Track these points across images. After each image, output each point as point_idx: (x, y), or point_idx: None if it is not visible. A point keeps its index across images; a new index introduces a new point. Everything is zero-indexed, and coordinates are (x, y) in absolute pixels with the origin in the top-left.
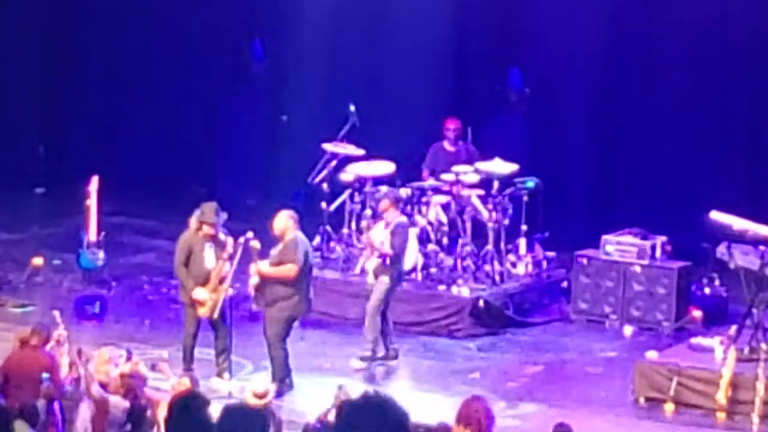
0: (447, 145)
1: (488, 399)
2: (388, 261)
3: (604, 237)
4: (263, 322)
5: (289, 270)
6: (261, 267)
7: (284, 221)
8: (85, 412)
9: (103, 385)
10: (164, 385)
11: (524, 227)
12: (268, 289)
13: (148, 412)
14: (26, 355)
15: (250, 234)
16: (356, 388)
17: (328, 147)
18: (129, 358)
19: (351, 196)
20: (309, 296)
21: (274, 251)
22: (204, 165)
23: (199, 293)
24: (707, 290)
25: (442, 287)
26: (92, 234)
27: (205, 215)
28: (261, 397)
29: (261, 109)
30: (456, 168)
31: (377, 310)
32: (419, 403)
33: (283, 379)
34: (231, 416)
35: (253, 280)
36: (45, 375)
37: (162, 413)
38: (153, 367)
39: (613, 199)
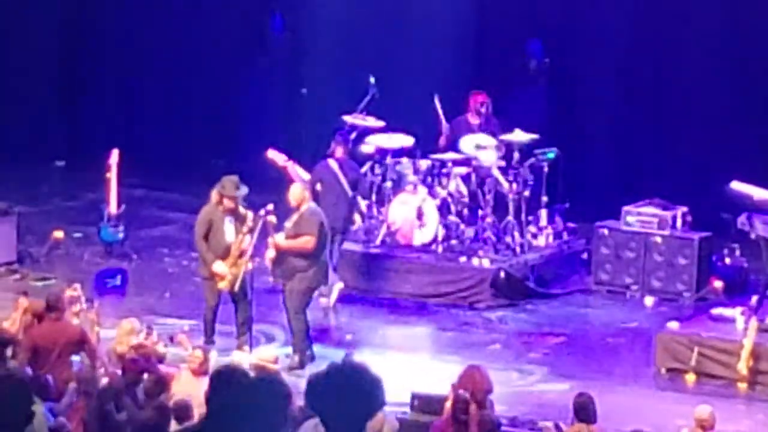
0: (471, 118)
1: (508, 370)
2: None
3: (625, 208)
4: (283, 295)
5: (306, 242)
6: (278, 240)
7: (300, 191)
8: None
9: (124, 357)
10: (184, 356)
11: (545, 198)
12: (286, 262)
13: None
14: (51, 326)
15: (270, 206)
16: (362, 357)
17: (348, 119)
18: (149, 334)
19: (371, 168)
20: (326, 267)
21: (288, 223)
22: (223, 138)
23: (219, 267)
24: (728, 260)
25: (462, 259)
26: (113, 207)
27: (225, 189)
28: (272, 362)
29: (281, 82)
30: (477, 139)
31: None
32: (439, 375)
33: (304, 350)
34: (253, 385)
35: (270, 253)
36: (76, 358)
37: (176, 388)
38: (171, 340)
39: (633, 170)
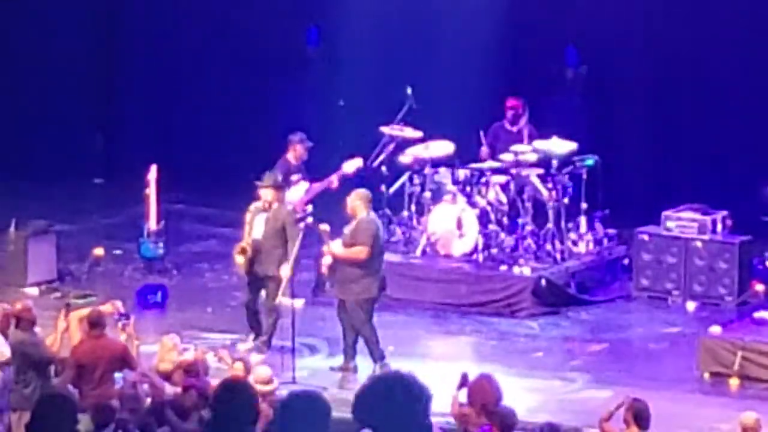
0: (507, 125)
1: (550, 378)
2: None
3: (665, 213)
4: (339, 309)
5: (359, 252)
6: (333, 248)
7: (353, 200)
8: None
9: (168, 375)
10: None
11: (584, 205)
12: (340, 270)
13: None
14: (94, 343)
15: (309, 219)
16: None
17: (385, 130)
18: (186, 350)
19: (410, 179)
20: (381, 276)
21: (346, 230)
22: (261, 151)
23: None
24: None
25: (503, 267)
26: (152, 223)
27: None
28: (266, 382)
29: (318, 94)
30: (515, 147)
31: None
32: None
33: (382, 357)
34: (294, 401)
35: (327, 260)
36: (118, 375)
37: None
38: (213, 355)
39: (672, 175)
